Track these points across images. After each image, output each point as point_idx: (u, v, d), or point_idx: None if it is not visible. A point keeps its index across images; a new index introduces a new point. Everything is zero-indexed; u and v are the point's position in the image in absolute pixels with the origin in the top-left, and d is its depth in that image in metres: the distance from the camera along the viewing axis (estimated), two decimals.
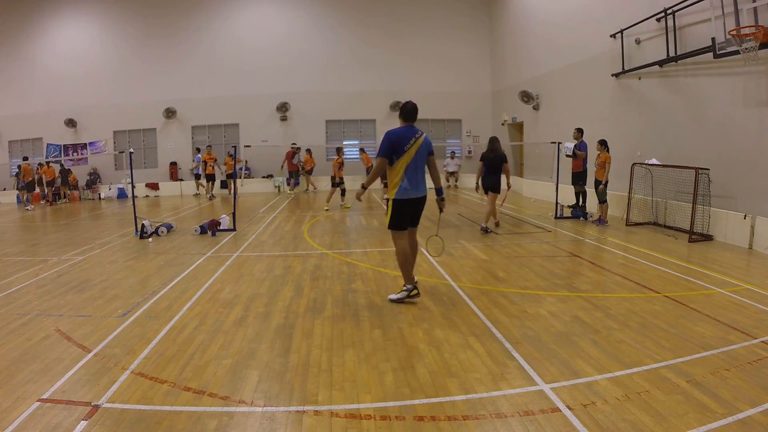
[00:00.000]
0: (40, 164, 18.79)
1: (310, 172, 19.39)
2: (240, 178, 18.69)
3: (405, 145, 5.11)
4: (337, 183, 13.59)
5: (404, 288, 5.39)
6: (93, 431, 2.97)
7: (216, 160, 18.39)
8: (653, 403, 3.15)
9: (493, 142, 9.52)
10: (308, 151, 19.23)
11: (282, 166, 19.40)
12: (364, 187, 5.43)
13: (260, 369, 3.78)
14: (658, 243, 8.26)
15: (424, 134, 5.32)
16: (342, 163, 13.58)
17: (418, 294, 5.37)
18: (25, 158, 18.69)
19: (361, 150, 18.00)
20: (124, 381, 3.60)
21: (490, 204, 9.54)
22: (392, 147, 5.13)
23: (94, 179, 20.06)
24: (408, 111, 5.27)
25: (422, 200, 5.35)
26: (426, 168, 5.36)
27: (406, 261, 5.32)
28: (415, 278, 5.47)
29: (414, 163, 5.16)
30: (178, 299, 5.61)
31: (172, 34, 20.32)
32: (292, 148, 18.81)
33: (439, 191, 5.48)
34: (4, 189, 20.48)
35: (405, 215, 5.27)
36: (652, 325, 4.50)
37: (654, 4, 9.70)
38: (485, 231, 9.34)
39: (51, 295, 5.96)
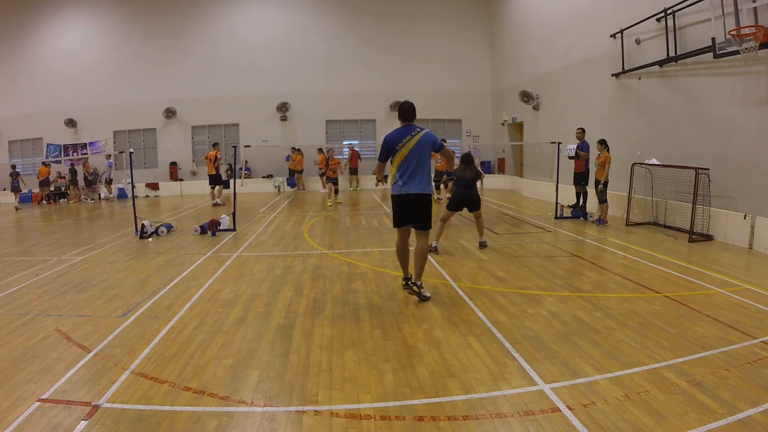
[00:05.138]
0: (43, 163, 19.08)
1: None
2: (240, 177, 18.68)
3: (398, 144, 5.26)
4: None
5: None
6: (93, 431, 2.97)
7: (217, 158, 15.11)
8: (653, 403, 3.15)
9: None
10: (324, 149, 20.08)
11: (346, 165, 19.62)
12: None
13: (260, 369, 3.77)
14: (658, 243, 8.25)
15: (424, 131, 5.31)
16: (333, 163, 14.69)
17: (407, 285, 5.48)
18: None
19: (292, 149, 19.65)
20: (124, 381, 3.60)
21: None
22: (387, 150, 5.35)
23: (94, 179, 20.04)
24: (403, 111, 5.40)
25: (415, 198, 5.27)
26: (430, 166, 5.41)
27: (400, 258, 5.57)
28: (409, 275, 5.56)
29: (407, 161, 5.23)
30: (178, 299, 5.61)
31: (172, 34, 20.32)
32: (353, 149, 19.08)
33: (449, 174, 5.63)
34: (4, 189, 20.47)
35: (398, 212, 5.40)
36: (652, 325, 4.50)
37: (654, 4, 9.70)
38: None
39: (51, 295, 5.96)
